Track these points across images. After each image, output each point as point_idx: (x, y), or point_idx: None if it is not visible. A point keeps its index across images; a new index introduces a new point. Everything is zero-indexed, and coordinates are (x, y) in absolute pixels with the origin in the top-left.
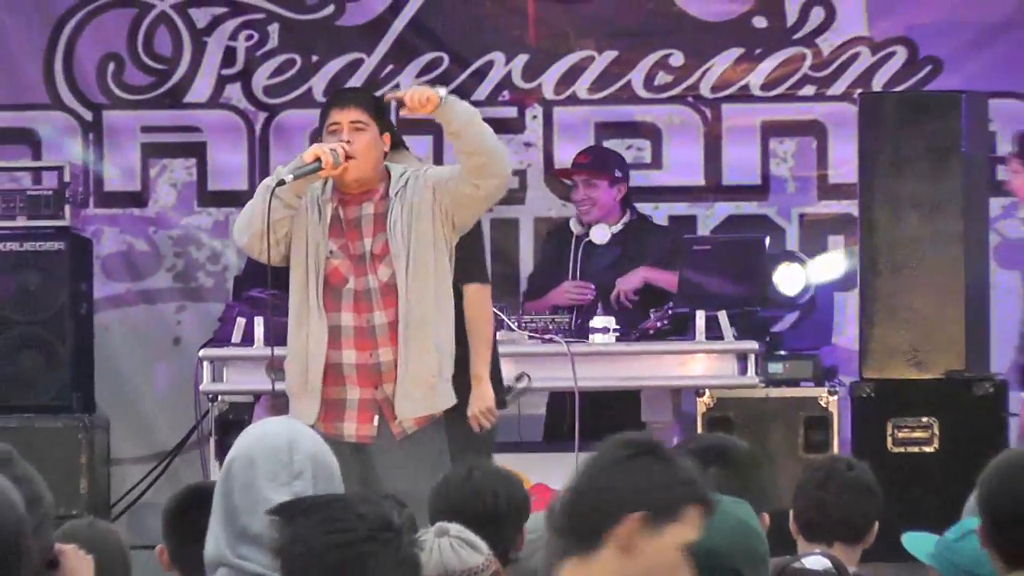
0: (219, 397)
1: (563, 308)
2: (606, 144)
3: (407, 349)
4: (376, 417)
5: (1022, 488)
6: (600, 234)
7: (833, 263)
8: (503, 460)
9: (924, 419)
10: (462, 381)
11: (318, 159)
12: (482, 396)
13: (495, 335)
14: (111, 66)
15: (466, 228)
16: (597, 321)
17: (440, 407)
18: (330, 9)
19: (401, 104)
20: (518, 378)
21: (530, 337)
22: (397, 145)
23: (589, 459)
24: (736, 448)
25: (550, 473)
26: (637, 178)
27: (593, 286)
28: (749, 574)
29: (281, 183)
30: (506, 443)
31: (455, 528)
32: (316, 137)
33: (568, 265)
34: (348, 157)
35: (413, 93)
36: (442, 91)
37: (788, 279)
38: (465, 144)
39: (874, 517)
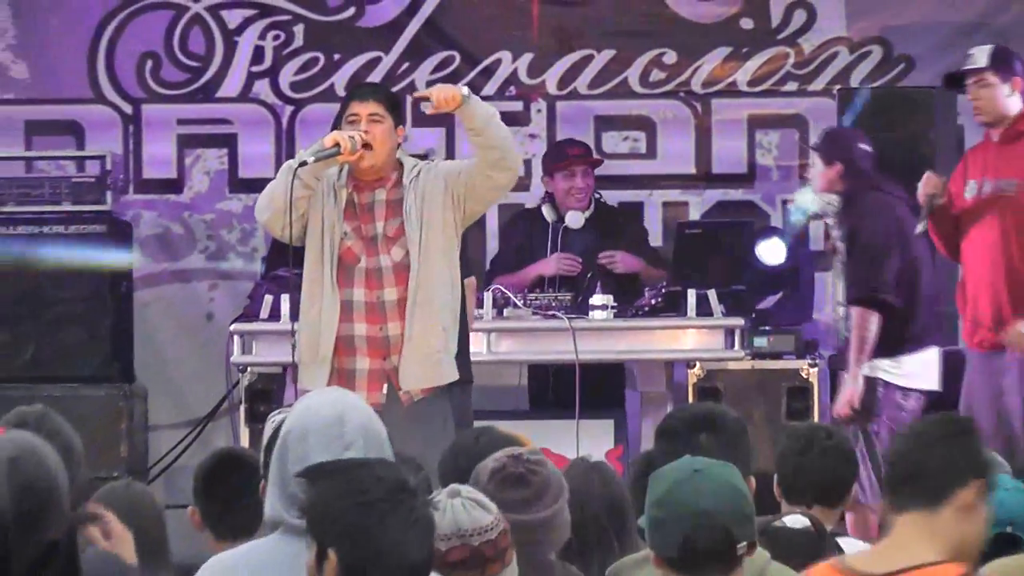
0: (248, 368)
1: (547, 278)
2: (604, 136)
3: (413, 324)
4: (385, 386)
5: None
6: (575, 220)
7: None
8: (509, 427)
9: None
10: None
11: (337, 144)
12: None
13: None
14: (149, 64)
15: (476, 217)
16: (596, 299)
17: (443, 380)
18: (351, 11)
19: (427, 101)
20: None
21: (534, 313)
22: None
23: (919, 431)
24: (725, 416)
25: (552, 438)
26: (634, 167)
27: (580, 259)
28: (737, 532)
29: (303, 164)
30: (510, 411)
31: (466, 490)
32: (336, 126)
33: (546, 250)
34: (365, 145)
35: (439, 92)
36: (465, 90)
37: (770, 251)
38: (484, 139)
39: (851, 482)
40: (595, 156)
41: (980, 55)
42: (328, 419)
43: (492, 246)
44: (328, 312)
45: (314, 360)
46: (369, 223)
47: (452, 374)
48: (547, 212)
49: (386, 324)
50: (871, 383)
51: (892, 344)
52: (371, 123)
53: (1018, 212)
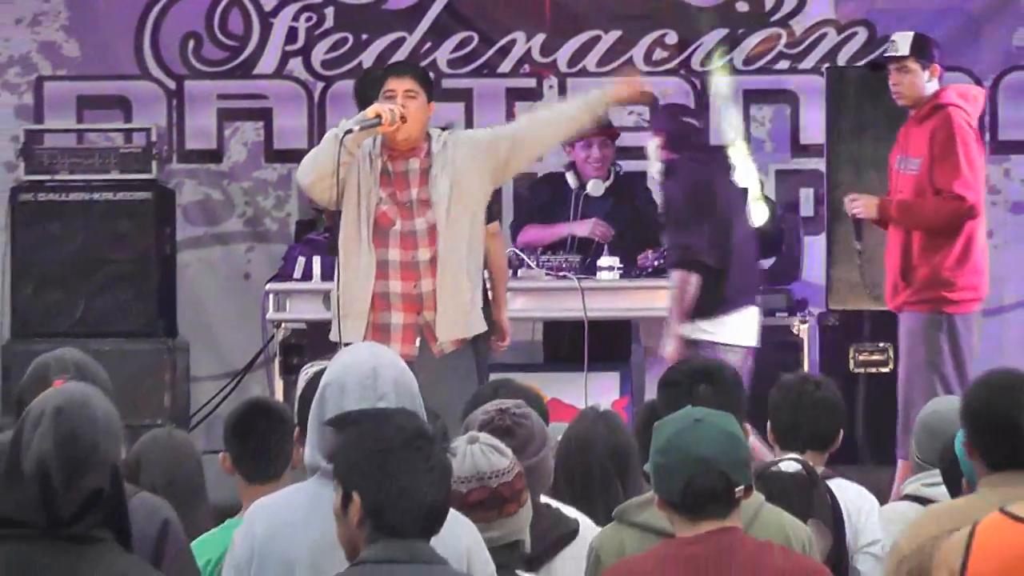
0: (282, 324)
1: (577, 238)
2: (611, 110)
3: (444, 281)
4: (418, 339)
5: (1000, 404)
6: (596, 188)
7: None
8: (524, 379)
9: (880, 344)
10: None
11: (379, 116)
12: (505, 328)
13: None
14: (191, 43)
15: (506, 182)
16: (603, 261)
17: (473, 332)
18: None
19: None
20: None
21: (547, 274)
22: None
23: None
24: (722, 369)
25: (564, 390)
26: (639, 139)
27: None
28: (734, 476)
29: (349, 132)
30: (525, 364)
31: (483, 436)
32: (364, 99)
33: (568, 213)
34: (402, 118)
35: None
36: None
37: (755, 214)
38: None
39: (838, 428)
40: (612, 129)
41: (903, 43)
42: (364, 373)
43: (508, 204)
44: (365, 271)
45: (350, 315)
46: (404, 189)
47: (481, 326)
48: (571, 179)
49: (420, 281)
50: (690, 344)
51: (709, 305)
52: (407, 98)
53: (918, 189)
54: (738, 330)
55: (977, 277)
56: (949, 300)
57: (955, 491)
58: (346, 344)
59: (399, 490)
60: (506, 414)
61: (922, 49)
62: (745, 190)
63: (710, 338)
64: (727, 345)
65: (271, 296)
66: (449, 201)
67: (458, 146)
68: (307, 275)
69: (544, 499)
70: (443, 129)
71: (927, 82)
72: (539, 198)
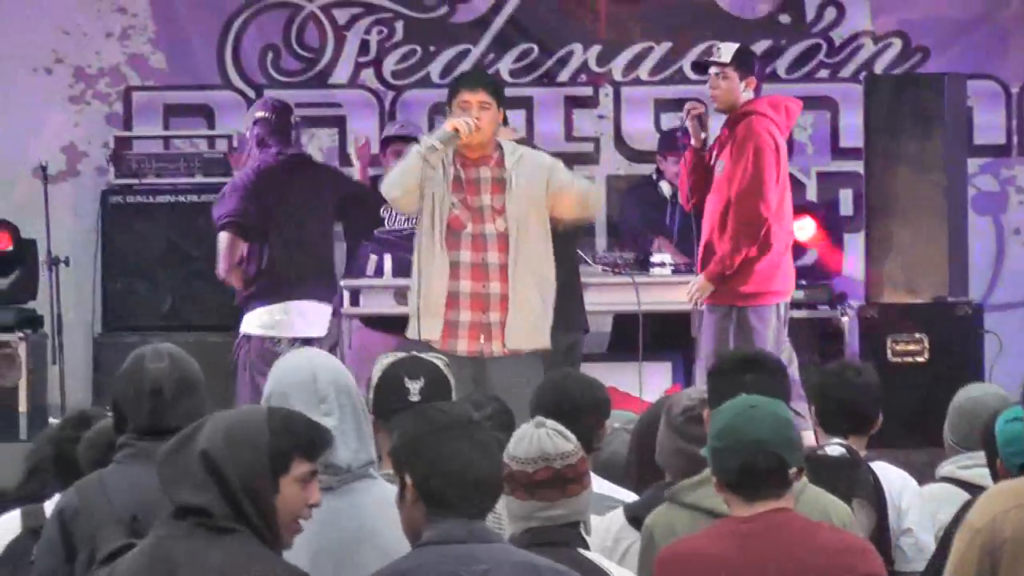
0: (355, 317)
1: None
2: (663, 116)
3: (516, 287)
4: (482, 336)
5: None
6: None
7: None
8: (583, 368)
9: (916, 335)
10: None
11: (456, 130)
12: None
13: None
14: (270, 55)
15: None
16: (656, 257)
17: (540, 345)
18: (444, 9)
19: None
20: None
21: (603, 270)
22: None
23: None
24: (767, 358)
25: (620, 379)
26: None
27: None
28: (788, 458)
29: (433, 148)
30: (586, 354)
31: (550, 422)
32: (438, 111)
33: (664, 218)
34: (477, 129)
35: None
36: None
37: None
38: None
39: (877, 412)
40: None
41: (726, 52)
42: (303, 378)
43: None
44: (439, 271)
45: (427, 314)
46: (475, 195)
47: (545, 342)
48: (665, 188)
49: (488, 282)
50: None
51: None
52: (481, 110)
53: (720, 189)
54: (289, 322)
55: (772, 274)
56: (742, 295)
57: (993, 471)
58: (424, 340)
59: (446, 470)
60: (706, 404)
61: (742, 60)
62: (325, 200)
63: (253, 331)
64: (274, 338)
65: (345, 291)
66: (527, 210)
67: (537, 166)
68: (379, 271)
69: None
70: (520, 141)
71: (743, 91)
72: (638, 205)
